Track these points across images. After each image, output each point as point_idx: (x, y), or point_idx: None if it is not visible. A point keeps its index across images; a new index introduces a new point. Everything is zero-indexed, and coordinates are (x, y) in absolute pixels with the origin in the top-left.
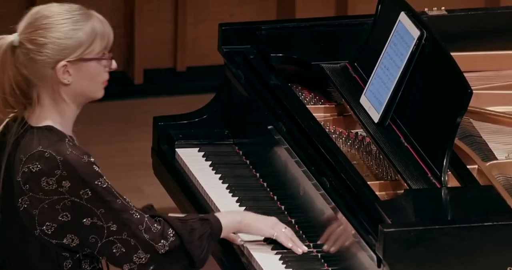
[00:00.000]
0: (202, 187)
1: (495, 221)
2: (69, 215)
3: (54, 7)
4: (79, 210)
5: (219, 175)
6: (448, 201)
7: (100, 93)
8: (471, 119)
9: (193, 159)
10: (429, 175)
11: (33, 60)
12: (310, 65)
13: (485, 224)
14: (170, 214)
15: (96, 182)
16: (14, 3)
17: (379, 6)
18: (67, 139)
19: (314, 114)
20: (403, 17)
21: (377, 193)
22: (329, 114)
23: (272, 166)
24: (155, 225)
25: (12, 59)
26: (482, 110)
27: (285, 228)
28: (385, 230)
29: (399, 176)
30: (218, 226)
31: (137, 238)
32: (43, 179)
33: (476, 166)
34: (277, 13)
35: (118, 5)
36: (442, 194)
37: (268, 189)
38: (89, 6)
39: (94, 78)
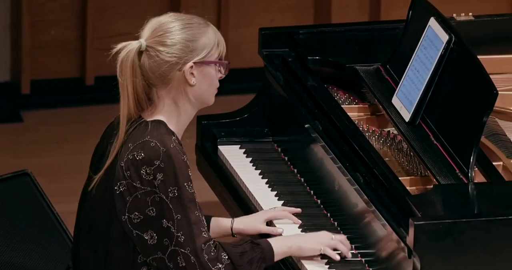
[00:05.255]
0: (243, 182)
1: None
2: (154, 211)
3: (174, 16)
4: (163, 209)
5: (259, 171)
6: (475, 196)
7: (212, 100)
8: (496, 119)
9: (234, 156)
10: (457, 171)
11: (162, 61)
12: (345, 67)
13: (510, 217)
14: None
15: (185, 184)
16: (67, 9)
17: (410, 12)
18: (174, 136)
19: (348, 113)
20: (432, 22)
21: (408, 188)
22: (362, 114)
23: (309, 162)
24: (213, 248)
25: (138, 63)
26: (507, 110)
27: (333, 235)
28: (415, 222)
29: (428, 172)
30: (270, 251)
31: (197, 257)
32: (144, 167)
33: (501, 163)
34: (315, 19)
35: (165, 10)
36: (469, 189)
37: (305, 184)
38: (137, 11)
39: (212, 83)
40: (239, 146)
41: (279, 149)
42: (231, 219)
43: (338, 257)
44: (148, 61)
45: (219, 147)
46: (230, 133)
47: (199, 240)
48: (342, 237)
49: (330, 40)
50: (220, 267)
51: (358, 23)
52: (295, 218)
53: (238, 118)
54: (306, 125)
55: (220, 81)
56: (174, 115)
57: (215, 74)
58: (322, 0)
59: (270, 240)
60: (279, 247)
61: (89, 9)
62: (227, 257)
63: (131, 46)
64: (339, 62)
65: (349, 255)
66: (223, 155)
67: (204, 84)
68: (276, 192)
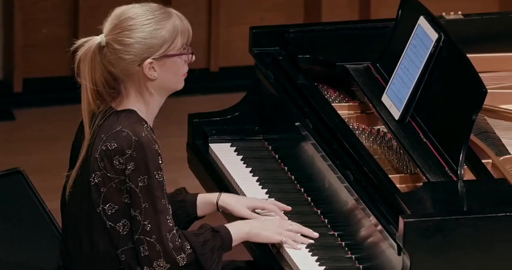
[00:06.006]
0: (234, 180)
1: (508, 212)
2: (129, 198)
3: (136, 8)
4: (133, 198)
5: (250, 168)
6: (464, 193)
7: (181, 85)
8: (485, 117)
9: (225, 153)
10: (446, 168)
11: (121, 59)
12: (335, 65)
13: (499, 214)
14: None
15: (155, 172)
16: (59, 8)
17: (400, 11)
18: (145, 124)
19: (338, 111)
20: (422, 21)
21: (397, 185)
22: (352, 112)
23: (299, 160)
24: (177, 237)
25: (100, 58)
26: (496, 108)
27: (291, 225)
28: (405, 220)
29: (418, 169)
30: (228, 238)
31: (163, 245)
32: (116, 157)
33: (491, 160)
34: (305, 18)
35: None
36: (459, 186)
37: (296, 182)
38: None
39: (177, 72)
40: (230, 143)
41: (270, 147)
42: (217, 194)
43: (299, 247)
44: (109, 57)
45: (210, 144)
46: (221, 132)
47: (165, 228)
48: (297, 228)
49: (320, 38)
50: (183, 257)
51: (348, 22)
52: (283, 215)
53: (229, 117)
54: (296, 124)
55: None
56: (143, 106)
57: (179, 64)
58: None
59: (228, 226)
60: (237, 234)
61: (80, 7)
62: (189, 246)
63: (92, 42)
64: (329, 61)
65: (298, 247)
66: (214, 152)
67: (167, 76)
68: (266, 189)
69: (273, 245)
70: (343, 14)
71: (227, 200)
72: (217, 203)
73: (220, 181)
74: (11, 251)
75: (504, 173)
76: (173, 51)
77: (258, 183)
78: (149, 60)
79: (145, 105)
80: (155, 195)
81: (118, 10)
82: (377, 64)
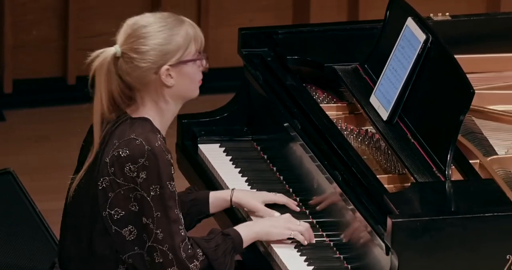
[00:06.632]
0: (223, 180)
1: (496, 212)
2: (137, 207)
3: (148, 17)
4: (143, 206)
5: (239, 169)
6: (451, 193)
7: (196, 92)
8: (473, 117)
9: (214, 154)
10: (434, 169)
11: (137, 67)
12: (324, 67)
13: (486, 214)
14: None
15: (168, 183)
16: (48, 9)
17: (388, 12)
18: (159, 134)
19: (327, 112)
20: (410, 22)
21: (385, 185)
22: (341, 113)
23: (288, 161)
24: (190, 246)
25: (115, 69)
26: (484, 109)
27: (299, 222)
28: (393, 220)
29: (406, 170)
30: (239, 240)
31: (176, 254)
32: (128, 164)
33: (478, 161)
34: (293, 19)
35: (146, 10)
36: (446, 186)
37: (284, 182)
38: (118, 12)
39: (193, 78)
40: (219, 144)
41: (259, 148)
42: (229, 190)
43: (306, 243)
44: (125, 66)
45: (199, 145)
46: (210, 132)
47: (178, 238)
48: (307, 225)
49: (308, 40)
50: (196, 264)
51: (337, 23)
52: (294, 206)
53: (218, 117)
54: (285, 124)
55: (202, 80)
56: (158, 115)
57: (195, 70)
58: (301, 1)
59: (237, 228)
60: (247, 234)
61: (70, 9)
62: (201, 253)
63: (106, 53)
64: (317, 62)
65: (313, 241)
66: (203, 153)
67: (184, 83)
68: (255, 189)
69: (262, 244)
70: (332, 15)
71: (241, 196)
72: (231, 199)
73: (209, 182)
74: (2, 251)
75: (491, 173)
76: (188, 57)
77: (247, 183)
78: (165, 67)
79: (159, 114)
80: (167, 205)
81: (130, 21)
82: (365, 65)
